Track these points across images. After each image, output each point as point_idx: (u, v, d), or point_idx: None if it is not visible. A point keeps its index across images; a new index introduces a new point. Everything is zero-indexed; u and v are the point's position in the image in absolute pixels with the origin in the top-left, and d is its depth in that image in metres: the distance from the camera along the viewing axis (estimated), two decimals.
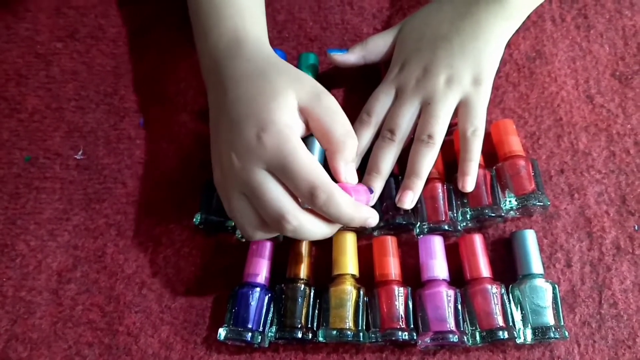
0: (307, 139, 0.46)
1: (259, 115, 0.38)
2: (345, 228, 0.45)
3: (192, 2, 0.46)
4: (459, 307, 0.43)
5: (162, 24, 0.57)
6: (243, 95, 0.39)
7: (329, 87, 0.53)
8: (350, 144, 0.40)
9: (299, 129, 0.39)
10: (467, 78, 0.45)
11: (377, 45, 0.51)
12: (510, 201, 0.46)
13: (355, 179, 0.42)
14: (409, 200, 0.45)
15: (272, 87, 0.39)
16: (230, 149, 0.38)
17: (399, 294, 0.43)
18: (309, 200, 0.37)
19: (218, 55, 0.42)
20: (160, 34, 0.56)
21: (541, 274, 0.43)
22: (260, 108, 0.38)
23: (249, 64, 0.41)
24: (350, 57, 0.50)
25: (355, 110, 0.49)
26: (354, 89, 0.53)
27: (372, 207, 0.46)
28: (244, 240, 0.47)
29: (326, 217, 0.38)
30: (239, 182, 0.38)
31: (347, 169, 0.40)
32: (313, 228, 0.38)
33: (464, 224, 0.46)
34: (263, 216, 0.38)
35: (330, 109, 0.39)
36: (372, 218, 0.40)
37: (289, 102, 0.38)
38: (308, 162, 0.37)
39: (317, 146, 0.47)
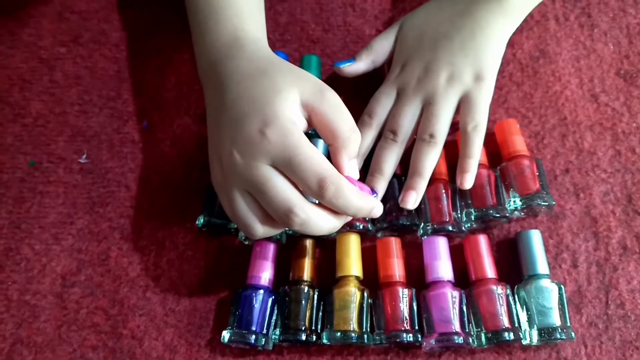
0: (310, 138, 0.46)
1: (261, 110, 0.37)
2: (348, 227, 0.45)
3: (190, 4, 0.46)
4: (464, 308, 0.42)
5: (164, 28, 0.57)
6: (244, 93, 0.39)
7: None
8: (354, 140, 0.40)
9: (302, 124, 0.39)
10: (468, 75, 0.45)
11: (382, 47, 0.51)
12: (514, 201, 0.45)
13: (357, 174, 0.41)
14: (412, 200, 0.44)
15: (274, 84, 0.38)
16: (232, 146, 0.38)
17: (404, 295, 0.43)
18: (317, 193, 0.37)
19: (217, 56, 0.42)
20: (163, 38, 0.57)
21: (547, 275, 0.43)
22: (263, 104, 0.38)
23: (250, 64, 0.40)
24: (359, 65, 0.50)
25: (358, 112, 0.48)
26: (357, 90, 0.53)
27: None
28: (247, 242, 0.47)
29: (334, 209, 0.38)
30: (241, 179, 0.37)
31: (351, 164, 0.40)
32: (321, 221, 0.38)
33: (468, 224, 0.46)
34: (269, 211, 0.38)
35: (335, 105, 0.39)
36: (377, 208, 0.40)
37: (292, 98, 0.38)
38: (314, 155, 0.36)
39: (320, 144, 0.47)
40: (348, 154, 0.40)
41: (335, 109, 0.39)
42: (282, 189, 0.37)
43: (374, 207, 0.40)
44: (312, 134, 0.47)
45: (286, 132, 0.36)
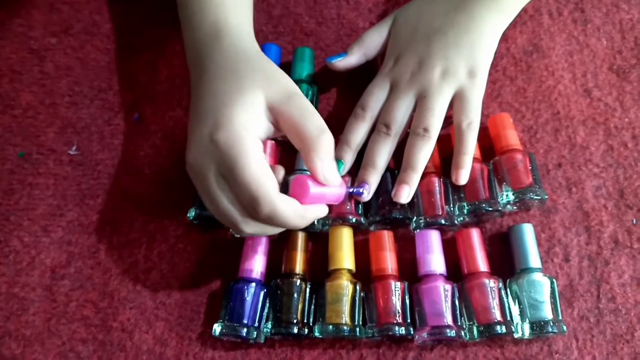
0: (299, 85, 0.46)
1: (217, 112, 0.37)
2: (341, 220, 0.45)
3: None
4: (456, 301, 0.42)
5: (156, 20, 0.57)
6: (211, 90, 0.39)
7: (325, 83, 0.53)
8: (324, 140, 0.38)
9: (262, 129, 0.38)
10: (462, 70, 0.45)
11: (373, 40, 0.50)
12: (507, 195, 0.45)
13: (337, 177, 0.40)
14: (405, 194, 0.44)
15: (239, 84, 0.38)
16: (187, 149, 0.38)
17: (396, 288, 0.43)
18: (250, 213, 0.36)
19: (198, 47, 0.42)
20: (154, 30, 0.56)
21: (539, 268, 0.43)
22: (221, 104, 0.37)
23: (225, 59, 0.40)
24: (351, 59, 0.50)
25: (350, 106, 0.48)
26: (350, 83, 0.53)
27: (368, 202, 0.45)
28: (238, 236, 0.47)
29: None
30: (196, 182, 0.38)
31: (325, 167, 0.38)
32: (270, 231, 0.39)
33: (461, 218, 0.46)
34: (220, 219, 0.39)
35: (302, 107, 0.38)
36: (321, 213, 0.40)
37: (254, 101, 0.38)
38: (254, 173, 0.35)
39: None
40: (318, 156, 0.38)
41: (302, 111, 0.38)
42: (225, 207, 0.37)
43: (318, 215, 0.40)
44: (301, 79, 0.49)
45: (234, 139, 0.36)
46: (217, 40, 0.41)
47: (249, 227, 0.37)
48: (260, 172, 0.36)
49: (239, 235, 0.47)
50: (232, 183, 0.36)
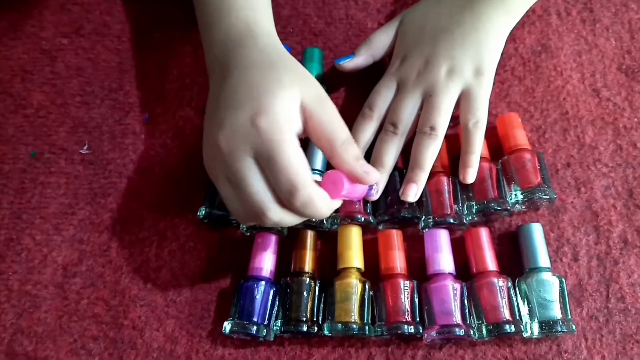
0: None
1: (258, 99, 0.37)
2: (349, 219, 0.45)
3: None
4: (465, 300, 0.43)
5: (167, 21, 0.57)
6: (247, 80, 0.39)
7: (333, 83, 0.53)
8: (352, 146, 0.39)
9: (296, 125, 0.38)
10: (469, 69, 0.45)
11: (381, 41, 0.51)
12: (516, 194, 0.45)
13: (374, 173, 0.40)
14: (412, 193, 0.44)
15: (278, 78, 0.38)
16: (219, 131, 0.37)
17: (405, 287, 0.43)
18: (286, 199, 0.37)
19: (228, 45, 0.42)
20: (165, 31, 0.57)
21: (548, 268, 0.43)
22: (262, 92, 0.37)
23: (261, 55, 0.40)
24: (359, 60, 0.50)
25: (359, 105, 0.49)
26: (358, 82, 0.53)
27: (377, 201, 0.46)
28: (248, 234, 0.47)
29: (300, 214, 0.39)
30: (224, 167, 0.37)
31: (357, 168, 0.39)
32: (292, 221, 0.39)
33: (470, 217, 0.46)
34: (243, 206, 0.38)
35: (332, 114, 0.39)
36: (339, 204, 0.41)
37: (292, 97, 0.38)
38: (294, 160, 0.36)
39: None
40: (349, 161, 0.39)
41: (332, 118, 0.39)
42: (257, 189, 0.37)
43: (336, 207, 0.40)
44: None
45: (277, 126, 0.36)
46: (252, 40, 0.41)
47: (276, 214, 0.37)
48: (300, 160, 0.36)
49: (248, 233, 0.47)
50: (270, 168, 0.36)
